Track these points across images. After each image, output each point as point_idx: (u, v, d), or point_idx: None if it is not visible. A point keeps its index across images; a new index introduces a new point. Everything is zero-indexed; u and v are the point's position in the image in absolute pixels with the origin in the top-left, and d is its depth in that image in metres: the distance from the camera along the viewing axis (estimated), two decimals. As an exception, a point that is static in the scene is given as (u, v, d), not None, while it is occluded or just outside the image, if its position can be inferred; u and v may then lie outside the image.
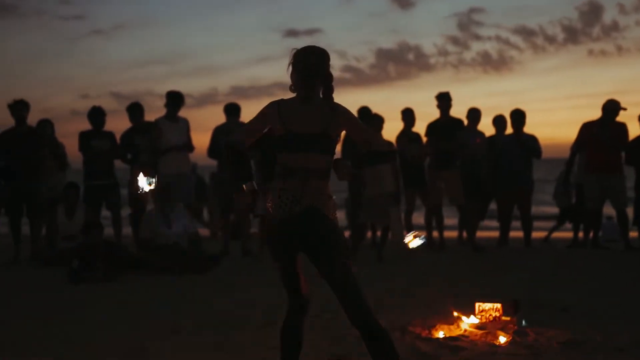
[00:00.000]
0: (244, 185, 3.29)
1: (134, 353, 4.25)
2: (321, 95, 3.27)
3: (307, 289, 3.32)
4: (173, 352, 4.29)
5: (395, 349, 3.14)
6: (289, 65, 3.26)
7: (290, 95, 3.31)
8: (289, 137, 3.19)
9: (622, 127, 8.32)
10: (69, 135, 8.74)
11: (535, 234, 9.35)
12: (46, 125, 8.64)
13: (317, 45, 3.29)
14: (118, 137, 8.50)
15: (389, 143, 8.00)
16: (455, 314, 4.86)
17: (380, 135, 7.88)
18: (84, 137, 8.36)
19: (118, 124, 8.64)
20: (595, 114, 8.40)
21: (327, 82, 3.25)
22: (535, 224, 9.48)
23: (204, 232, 10.14)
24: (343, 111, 3.27)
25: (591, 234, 8.58)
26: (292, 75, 3.26)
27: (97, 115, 8.38)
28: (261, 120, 3.27)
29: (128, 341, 4.50)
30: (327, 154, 3.22)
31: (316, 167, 3.18)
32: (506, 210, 8.80)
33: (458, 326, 4.68)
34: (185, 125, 8.39)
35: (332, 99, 3.27)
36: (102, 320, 5.17)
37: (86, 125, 8.47)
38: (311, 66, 3.21)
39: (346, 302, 3.13)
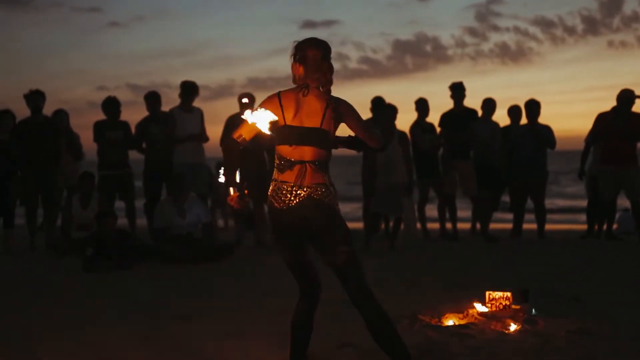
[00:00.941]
0: (230, 189, 3.35)
1: (146, 339, 4.30)
2: (321, 88, 3.30)
3: (317, 279, 3.34)
4: (185, 338, 4.34)
5: (398, 334, 3.20)
6: (290, 57, 3.31)
7: (290, 86, 3.35)
8: (288, 130, 3.24)
9: (638, 118, 8.25)
10: (86, 127, 8.86)
11: (549, 227, 9.27)
12: (62, 115, 8.73)
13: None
14: (134, 128, 8.53)
15: (402, 134, 7.98)
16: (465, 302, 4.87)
17: (394, 125, 7.87)
18: (98, 127, 8.41)
19: (135, 115, 8.71)
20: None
21: (327, 75, 3.28)
22: (549, 216, 9.43)
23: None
24: (342, 105, 3.32)
25: (605, 226, 8.54)
26: (294, 67, 3.30)
27: (111, 105, 8.41)
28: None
29: (140, 328, 4.56)
30: (325, 148, 3.28)
31: (314, 159, 3.24)
32: (520, 201, 8.77)
33: (468, 315, 4.70)
34: (199, 115, 8.41)
35: (330, 91, 3.31)
36: (115, 307, 5.23)
37: (103, 117, 8.51)
38: (313, 58, 3.25)
39: (349, 287, 3.19)
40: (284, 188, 3.23)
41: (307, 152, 3.24)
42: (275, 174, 3.28)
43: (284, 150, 3.26)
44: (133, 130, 8.50)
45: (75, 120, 8.93)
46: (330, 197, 3.25)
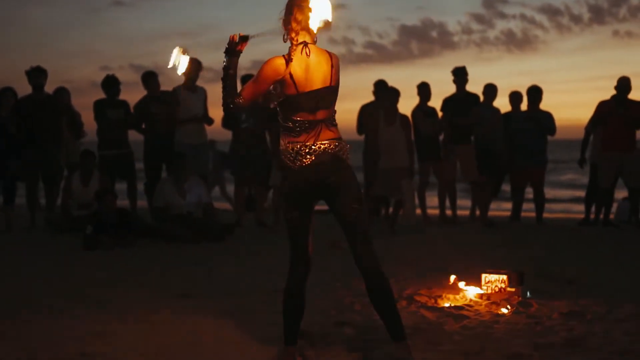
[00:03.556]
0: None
1: (146, 316, 4.34)
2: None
3: (310, 252, 3.36)
4: (184, 315, 4.38)
5: (393, 298, 3.27)
6: (298, 12, 3.22)
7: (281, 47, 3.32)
8: (303, 98, 3.21)
9: (637, 105, 8.30)
10: (88, 106, 8.82)
11: (547, 215, 9.28)
12: (63, 93, 8.71)
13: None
14: (132, 107, 8.51)
15: (404, 117, 8.03)
16: (461, 284, 4.92)
17: (397, 108, 7.88)
18: (98, 105, 8.37)
19: (138, 96, 8.65)
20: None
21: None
22: (547, 205, 9.43)
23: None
24: (337, 61, 3.31)
25: (602, 213, 8.59)
26: (293, 21, 3.23)
27: (111, 84, 8.37)
28: (267, 82, 3.24)
29: (140, 305, 4.61)
30: (335, 102, 3.32)
31: (327, 116, 3.27)
32: (519, 187, 8.81)
33: (463, 296, 4.75)
34: (203, 95, 8.35)
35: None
36: (114, 284, 5.28)
37: (103, 96, 8.49)
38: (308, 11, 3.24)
39: (355, 244, 3.23)
40: (300, 149, 3.23)
41: (321, 112, 3.25)
42: (288, 137, 3.26)
43: (301, 116, 3.23)
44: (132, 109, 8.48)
45: (78, 100, 8.90)
46: (344, 151, 3.28)
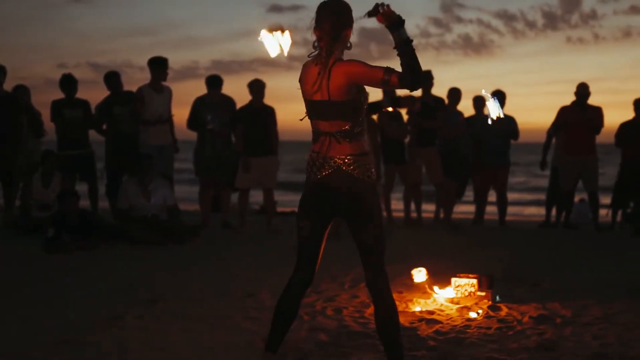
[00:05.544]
0: None
1: (111, 322, 4.24)
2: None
3: (317, 265, 3.27)
4: (150, 321, 4.29)
5: (399, 328, 3.21)
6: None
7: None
8: (307, 104, 3.19)
9: (598, 111, 8.51)
10: (44, 105, 8.64)
11: (507, 217, 9.40)
12: (22, 91, 8.50)
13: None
14: (94, 109, 8.34)
15: (370, 120, 8.00)
16: (431, 288, 4.94)
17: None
18: (56, 105, 8.20)
19: (95, 94, 8.50)
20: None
21: (342, 39, 3.14)
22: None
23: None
24: (338, 68, 3.07)
25: (562, 216, 8.76)
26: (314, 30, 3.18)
27: (68, 83, 8.20)
28: None
29: (105, 310, 4.49)
30: (345, 118, 3.11)
31: (337, 130, 3.13)
32: (482, 190, 8.93)
33: (434, 301, 4.77)
34: (168, 95, 8.18)
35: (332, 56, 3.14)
36: (77, 289, 5.14)
37: (61, 96, 8.31)
38: (318, 22, 3.14)
39: (367, 271, 3.18)
40: (315, 158, 3.17)
41: (328, 125, 3.14)
42: (313, 143, 3.24)
43: (312, 123, 3.20)
44: (93, 110, 8.31)
45: (33, 98, 8.66)
46: (360, 169, 3.11)
